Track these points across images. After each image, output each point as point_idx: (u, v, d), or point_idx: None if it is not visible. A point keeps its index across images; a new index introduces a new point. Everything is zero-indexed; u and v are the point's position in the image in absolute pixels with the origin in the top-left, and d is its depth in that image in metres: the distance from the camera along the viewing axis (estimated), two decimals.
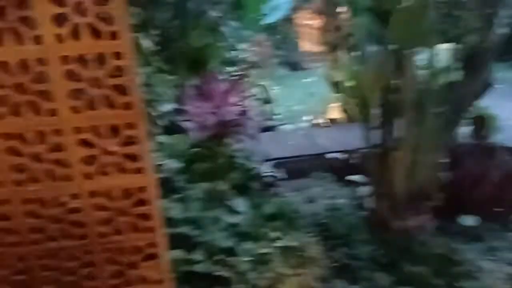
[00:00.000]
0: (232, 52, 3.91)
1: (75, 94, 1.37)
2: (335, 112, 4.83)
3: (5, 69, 1.31)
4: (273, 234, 2.49)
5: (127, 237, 1.54)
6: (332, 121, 4.87)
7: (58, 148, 1.42)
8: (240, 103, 2.90)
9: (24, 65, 1.32)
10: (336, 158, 3.80)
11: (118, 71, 1.36)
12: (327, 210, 3.10)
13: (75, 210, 1.49)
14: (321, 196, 3.35)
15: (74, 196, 1.48)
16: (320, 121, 4.95)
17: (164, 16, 3.34)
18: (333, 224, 2.87)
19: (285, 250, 2.38)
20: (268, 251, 2.35)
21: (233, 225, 2.48)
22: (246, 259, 2.28)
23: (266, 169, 3.09)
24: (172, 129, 3.02)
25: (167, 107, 3.10)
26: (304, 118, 5.19)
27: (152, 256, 1.58)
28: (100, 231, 1.52)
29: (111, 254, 1.56)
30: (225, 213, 2.54)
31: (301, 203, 3.24)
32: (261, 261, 2.29)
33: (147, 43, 3.04)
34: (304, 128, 4.88)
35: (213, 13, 3.56)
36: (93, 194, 1.48)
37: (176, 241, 2.01)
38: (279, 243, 2.42)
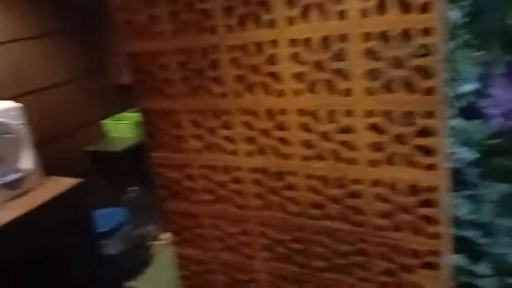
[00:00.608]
0: None
1: (371, 75, 1.25)
2: None
3: (308, 46, 1.31)
4: None
5: (406, 238, 1.38)
6: None
7: (347, 129, 1.36)
8: None
9: (325, 42, 1.28)
10: None
11: (424, 50, 1.17)
12: None
13: (356, 195, 1.43)
14: None
15: (356, 181, 1.40)
16: None
17: None
18: None
19: None
20: None
21: None
22: None
23: None
24: (469, 113, 2.59)
25: (468, 87, 2.68)
26: None
27: (431, 265, 1.38)
28: (378, 223, 1.41)
29: (386, 250, 1.43)
30: None
31: None
32: None
33: (454, 15, 2.66)
34: None
35: None
36: (376, 183, 1.37)
37: (458, 245, 1.71)
38: None
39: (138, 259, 2.83)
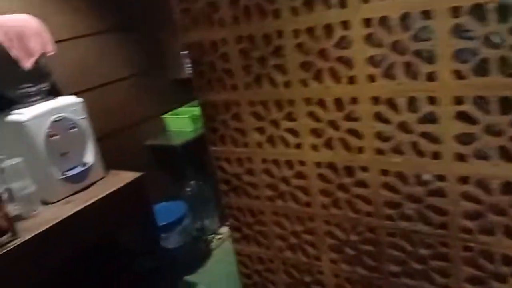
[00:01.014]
0: None
1: (461, 55, 1.09)
2: None
3: (385, 26, 1.17)
4: None
5: (497, 242, 1.21)
6: None
7: (430, 119, 1.20)
8: None
9: (405, 20, 1.13)
10: None
11: None
12: None
13: (438, 194, 1.27)
14: None
15: (440, 178, 1.25)
16: None
17: None
18: None
19: None
20: None
21: None
22: None
23: None
24: None
25: None
26: None
27: None
28: (464, 225, 1.25)
29: (473, 255, 1.27)
30: None
31: None
32: None
33: None
34: None
35: None
36: (463, 179, 1.21)
37: None
38: None
39: (197, 253, 2.81)
